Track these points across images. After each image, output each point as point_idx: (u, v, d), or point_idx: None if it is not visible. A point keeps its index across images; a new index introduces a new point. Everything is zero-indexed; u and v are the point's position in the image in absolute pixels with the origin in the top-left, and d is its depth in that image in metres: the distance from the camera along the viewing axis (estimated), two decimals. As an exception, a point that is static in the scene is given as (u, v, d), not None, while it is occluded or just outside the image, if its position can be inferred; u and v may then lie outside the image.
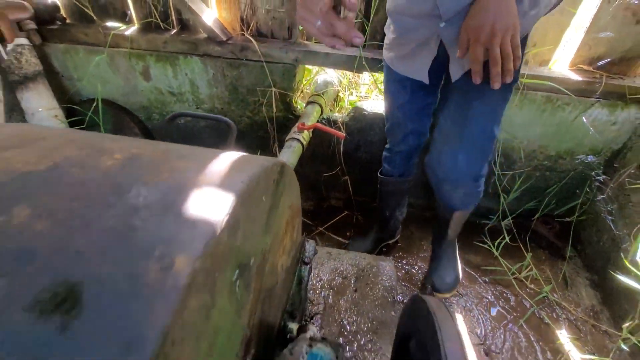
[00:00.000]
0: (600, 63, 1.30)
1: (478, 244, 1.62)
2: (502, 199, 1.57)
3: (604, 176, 1.41)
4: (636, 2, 1.15)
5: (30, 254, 0.25)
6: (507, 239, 1.58)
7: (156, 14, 1.50)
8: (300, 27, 1.49)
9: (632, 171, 1.35)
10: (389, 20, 1.04)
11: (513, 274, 1.50)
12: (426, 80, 1.00)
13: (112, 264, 0.25)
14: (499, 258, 1.53)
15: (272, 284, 0.51)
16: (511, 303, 1.43)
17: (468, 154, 1.00)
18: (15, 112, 1.60)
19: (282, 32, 1.48)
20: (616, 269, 1.32)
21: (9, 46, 1.46)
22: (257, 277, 0.41)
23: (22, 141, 0.37)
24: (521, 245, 1.61)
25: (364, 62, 1.36)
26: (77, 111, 1.67)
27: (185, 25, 1.53)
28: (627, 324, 1.14)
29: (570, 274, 1.54)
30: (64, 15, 1.59)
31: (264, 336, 0.49)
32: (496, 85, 0.79)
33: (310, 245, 0.76)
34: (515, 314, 1.39)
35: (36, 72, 1.54)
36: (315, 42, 1.51)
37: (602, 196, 1.43)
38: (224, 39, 1.44)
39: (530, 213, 1.69)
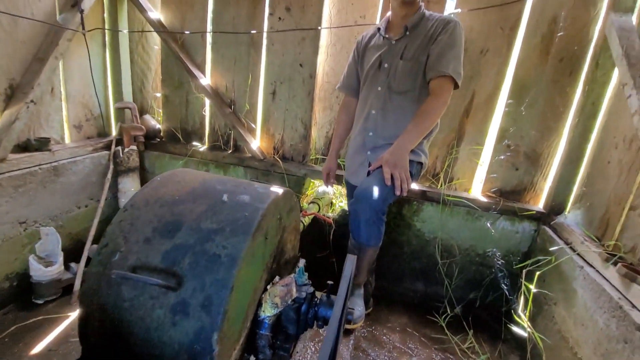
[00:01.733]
0: (493, 190, 2.04)
1: (431, 317, 2.06)
2: (446, 282, 2.09)
3: (502, 261, 1.97)
4: (503, 157, 1.96)
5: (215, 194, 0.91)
6: (451, 314, 2.02)
7: (221, 140, 2.38)
8: (311, 157, 2.33)
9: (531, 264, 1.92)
10: (347, 152, 1.86)
11: (457, 344, 1.90)
12: None
13: (246, 198, 0.90)
14: (445, 329, 1.96)
15: (283, 251, 1.11)
16: (454, 365, 1.80)
17: (378, 188, 1.47)
18: (110, 190, 2.32)
19: (298, 158, 2.32)
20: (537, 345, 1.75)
21: (126, 149, 2.30)
22: (281, 231, 1.02)
23: (195, 175, 1.05)
24: (465, 325, 2.04)
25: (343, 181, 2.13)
26: (150, 195, 2.41)
27: (237, 148, 2.39)
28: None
29: (505, 351, 1.93)
30: (162, 135, 2.49)
31: (278, 267, 1.06)
32: (397, 192, 1.48)
33: (301, 260, 1.34)
34: (457, 374, 1.75)
35: (135, 167, 2.34)
36: (319, 165, 2.33)
37: (500, 274, 1.96)
38: (262, 158, 2.27)
39: (475, 302, 2.16)
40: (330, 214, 2.33)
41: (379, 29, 1.67)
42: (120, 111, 2.41)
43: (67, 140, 2.13)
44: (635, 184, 1.45)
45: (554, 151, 1.97)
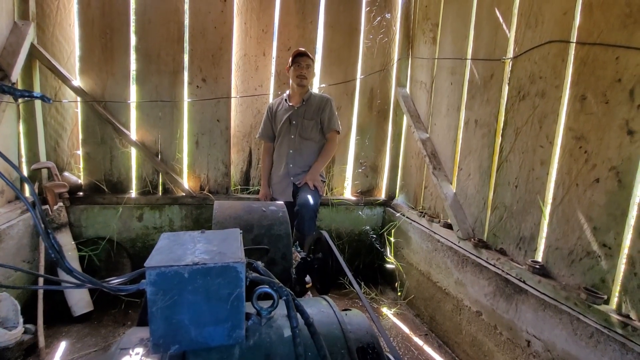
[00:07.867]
0: (357, 191, 3.26)
1: (339, 282, 3.06)
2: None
3: (373, 231, 3.20)
4: (359, 170, 3.20)
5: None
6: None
7: (150, 186, 2.76)
8: (232, 189, 3.00)
9: (386, 233, 3.18)
10: (272, 181, 2.70)
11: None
12: (291, 199, 2.60)
13: (273, 207, 1.64)
14: (349, 286, 2.99)
15: (278, 240, 1.86)
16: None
17: (312, 197, 2.45)
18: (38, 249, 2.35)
19: (223, 190, 2.95)
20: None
21: (55, 207, 2.40)
22: (280, 228, 1.79)
23: (230, 204, 1.69)
24: (359, 281, 3.13)
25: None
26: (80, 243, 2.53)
27: (166, 190, 2.82)
28: (397, 283, 2.70)
29: (382, 288, 3.10)
30: (84, 190, 2.65)
31: (279, 252, 1.81)
32: (321, 192, 2.46)
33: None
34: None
35: (66, 222, 2.45)
36: (239, 194, 3.02)
37: (374, 239, 3.19)
38: (194, 195, 2.80)
39: (359, 265, 3.29)
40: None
41: (285, 100, 2.60)
42: (34, 172, 2.45)
43: (-7, 206, 2.12)
44: (424, 175, 2.85)
45: (384, 163, 3.33)
